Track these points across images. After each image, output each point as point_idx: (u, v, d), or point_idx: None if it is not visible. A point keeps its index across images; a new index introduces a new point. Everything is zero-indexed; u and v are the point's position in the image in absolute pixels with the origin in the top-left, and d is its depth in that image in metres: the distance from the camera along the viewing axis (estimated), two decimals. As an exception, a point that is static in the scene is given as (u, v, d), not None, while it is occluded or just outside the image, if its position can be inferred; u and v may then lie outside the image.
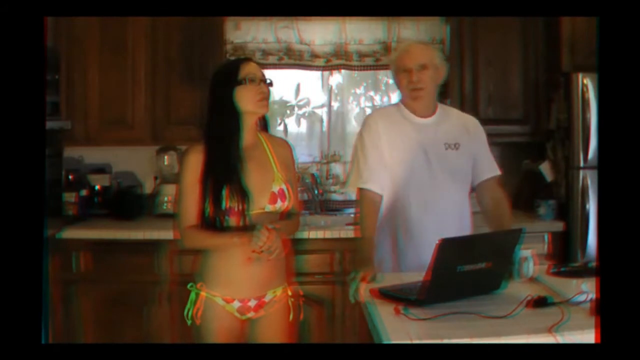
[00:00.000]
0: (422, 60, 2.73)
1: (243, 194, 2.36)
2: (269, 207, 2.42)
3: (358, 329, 3.56)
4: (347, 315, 3.69)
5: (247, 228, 2.35)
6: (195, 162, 2.41)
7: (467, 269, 2.16)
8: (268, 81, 2.46)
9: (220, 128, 2.41)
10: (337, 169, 4.37)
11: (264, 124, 2.54)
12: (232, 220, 2.38)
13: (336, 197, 4.36)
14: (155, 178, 4.28)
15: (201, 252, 2.50)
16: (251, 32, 4.20)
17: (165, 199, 4.18)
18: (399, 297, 2.20)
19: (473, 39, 4.13)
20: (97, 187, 4.19)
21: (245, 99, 2.40)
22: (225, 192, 2.35)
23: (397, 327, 1.97)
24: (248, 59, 2.52)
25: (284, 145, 2.59)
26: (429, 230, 2.65)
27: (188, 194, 2.42)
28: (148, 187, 4.35)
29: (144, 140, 4.10)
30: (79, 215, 3.97)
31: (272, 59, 4.19)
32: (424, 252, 2.54)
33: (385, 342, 1.89)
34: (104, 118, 4.05)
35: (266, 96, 2.44)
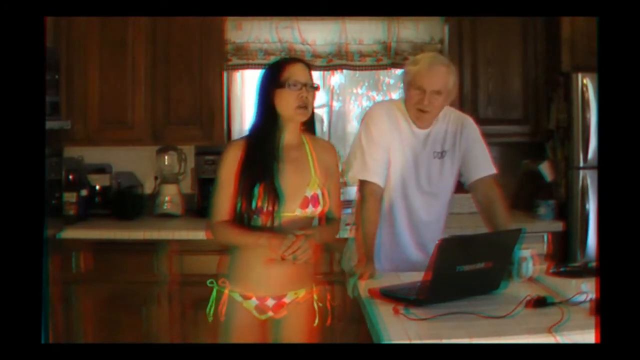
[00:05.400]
0: (439, 87, 2.65)
1: (275, 195, 2.34)
2: (300, 212, 2.40)
3: (358, 329, 3.56)
4: (347, 315, 3.69)
5: (276, 230, 2.34)
6: (233, 157, 2.39)
7: (467, 269, 2.16)
8: (315, 85, 2.41)
9: (260, 127, 2.40)
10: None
11: (310, 126, 2.50)
12: (261, 220, 2.37)
13: (336, 197, 4.35)
14: (156, 178, 4.29)
15: (227, 252, 2.49)
16: (252, 32, 4.19)
17: (166, 199, 4.19)
18: (399, 297, 2.20)
19: (473, 39, 4.13)
20: (97, 187, 4.19)
21: (283, 103, 2.37)
22: (257, 191, 2.34)
23: (396, 327, 1.97)
24: (296, 60, 2.46)
25: (328, 149, 2.55)
26: (409, 236, 2.76)
27: (223, 189, 2.41)
28: (148, 187, 4.35)
29: (144, 140, 4.10)
30: (79, 215, 3.97)
31: (273, 59, 4.18)
32: (398, 256, 2.76)
33: (385, 342, 1.89)
34: (104, 118, 4.05)
35: (306, 103, 2.37)
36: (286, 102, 2.36)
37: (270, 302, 2.42)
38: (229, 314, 2.42)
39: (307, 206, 2.40)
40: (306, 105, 2.38)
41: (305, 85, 2.37)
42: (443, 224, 2.86)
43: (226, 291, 2.43)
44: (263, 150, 2.37)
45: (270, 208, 2.34)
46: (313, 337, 2.50)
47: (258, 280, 2.40)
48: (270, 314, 2.44)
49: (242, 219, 2.38)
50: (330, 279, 3.71)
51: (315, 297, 2.49)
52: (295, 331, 2.47)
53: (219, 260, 2.53)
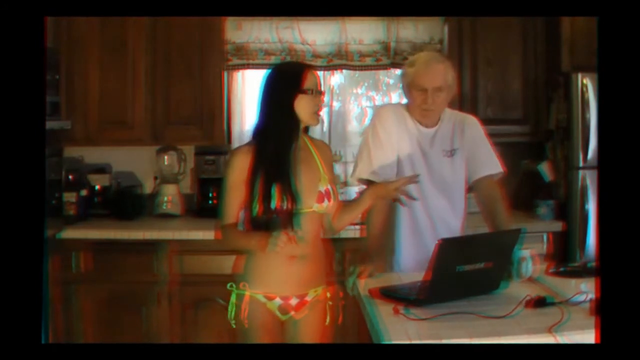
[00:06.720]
0: (439, 83, 2.69)
1: (293, 194, 2.38)
2: (317, 207, 2.45)
3: (358, 328, 3.56)
4: (347, 315, 3.68)
5: (294, 226, 2.37)
6: (242, 163, 2.41)
7: (467, 269, 2.16)
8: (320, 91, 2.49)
9: (278, 131, 2.41)
10: (337, 169, 4.36)
11: (306, 128, 2.55)
12: (281, 219, 2.38)
13: (336, 197, 4.35)
14: (155, 178, 4.29)
15: (243, 253, 2.50)
16: (252, 32, 4.20)
17: (165, 199, 4.19)
18: (399, 297, 2.20)
19: (473, 39, 4.14)
20: (97, 187, 4.19)
21: (305, 109, 2.42)
22: (274, 192, 2.36)
23: (396, 327, 1.97)
24: (310, 66, 2.53)
25: (325, 147, 2.64)
26: (430, 235, 2.70)
27: (230, 194, 2.43)
28: (148, 187, 4.35)
29: (144, 140, 4.10)
30: (79, 215, 3.97)
31: (273, 59, 4.19)
32: (420, 256, 2.65)
33: (384, 342, 1.90)
34: (104, 118, 4.05)
35: (321, 109, 2.48)
36: (307, 108, 2.42)
37: (294, 301, 2.45)
38: (252, 316, 2.43)
39: (322, 200, 2.46)
40: (320, 111, 2.48)
41: (319, 92, 2.46)
42: (462, 222, 2.84)
43: (247, 294, 2.44)
44: (280, 153, 2.40)
45: (290, 206, 2.37)
46: (326, 336, 2.53)
47: (281, 280, 2.43)
48: (292, 313, 2.47)
49: (259, 221, 2.38)
50: (330, 279, 3.71)
51: (328, 294, 2.54)
52: (309, 331, 2.50)
53: (235, 261, 2.54)
